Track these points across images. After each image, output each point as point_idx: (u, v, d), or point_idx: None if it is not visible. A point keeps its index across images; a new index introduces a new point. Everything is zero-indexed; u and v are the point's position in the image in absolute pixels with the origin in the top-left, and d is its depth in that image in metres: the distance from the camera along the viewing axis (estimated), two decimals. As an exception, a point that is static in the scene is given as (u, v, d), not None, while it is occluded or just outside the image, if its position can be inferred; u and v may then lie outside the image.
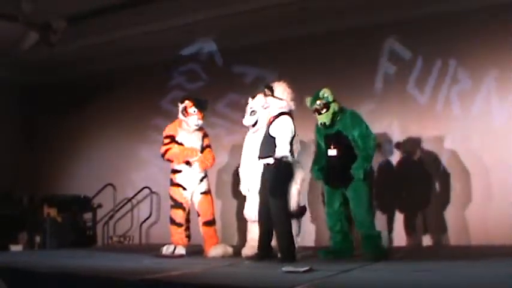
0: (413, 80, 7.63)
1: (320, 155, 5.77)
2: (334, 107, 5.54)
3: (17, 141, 10.72)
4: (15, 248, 8.09)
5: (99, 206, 9.07)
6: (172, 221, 6.12)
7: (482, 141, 7.02)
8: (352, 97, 7.57)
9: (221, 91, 8.78)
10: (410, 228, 7.26)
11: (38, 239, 8.32)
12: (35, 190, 9.37)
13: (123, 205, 9.41)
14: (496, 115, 7.06)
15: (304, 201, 5.93)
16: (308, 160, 6.85)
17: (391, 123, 7.66)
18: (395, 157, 7.55)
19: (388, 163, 7.55)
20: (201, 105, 6.25)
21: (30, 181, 10.02)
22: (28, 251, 8.04)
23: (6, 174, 9.81)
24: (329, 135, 5.63)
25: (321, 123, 5.62)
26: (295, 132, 5.44)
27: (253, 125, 6.02)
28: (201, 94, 8.55)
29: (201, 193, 6.19)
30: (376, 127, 7.38)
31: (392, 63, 7.79)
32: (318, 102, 5.56)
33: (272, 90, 5.54)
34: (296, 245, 5.54)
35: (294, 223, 5.68)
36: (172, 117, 8.10)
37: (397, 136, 7.61)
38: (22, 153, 10.65)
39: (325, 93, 5.56)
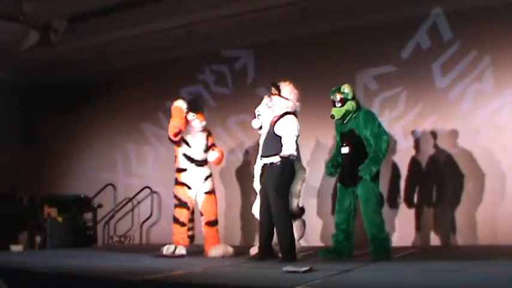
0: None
1: (337, 152, 5.77)
2: (349, 105, 5.54)
3: (17, 141, 10.74)
4: (16, 248, 8.08)
5: (100, 206, 9.06)
6: (176, 220, 6.13)
7: (489, 141, 6.94)
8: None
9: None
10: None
11: (38, 239, 8.32)
12: (35, 190, 9.39)
13: (124, 205, 9.42)
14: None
15: (303, 202, 5.91)
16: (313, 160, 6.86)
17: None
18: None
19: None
20: (196, 108, 6.31)
21: (31, 181, 10.03)
22: (28, 251, 8.03)
23: (7, 174, 9.81)
24: (343, 132, 5.65)
25: (331, 115, 5.64)
26: (300, 131, 5.45)
27: (260, 128, 6.00)
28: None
29: (205, 193, 6.21)
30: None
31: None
32: (337, 95, 5.58)
33: (279, 89, 5.54)
34: (298, 246, 5.55)
35: (298, 224, 5.68)
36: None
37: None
38: (22, 153, 10.65)
39: (346, 89, 5.57)
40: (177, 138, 6.16)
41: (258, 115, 5.99)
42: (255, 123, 6.01)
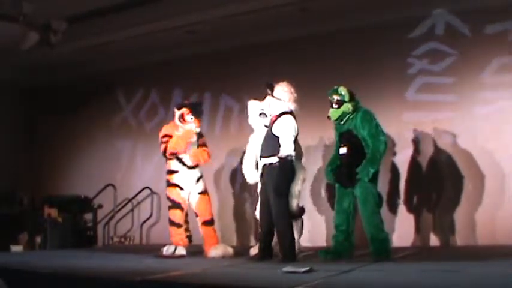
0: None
1: (335, 155, 5.73)
2: (346, 107, 5.52)
3: (18, 141, 10.73)
4: (16, 248, 8.09)
5: (100, 206, 9.07)
6: (172, 222, 6.14)
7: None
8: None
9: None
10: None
11: (38, 239, 8.33)
12: (35, 190, 9.39)
13: (124, 205, 9.42)
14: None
15: (303, 202, 5.91)
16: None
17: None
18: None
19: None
20: (197, 113, 6.30)
21: (31, 181, 10.03)
22: (28, 251, 8.04)
23: (7, 174, 9.82)
24: (342, 133, 5.64)
25: (327, 116, 5.64)
26: (297, 131, 5.45)
27: (265, 126, 5.99)
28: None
29: (199, 193, 6.21)
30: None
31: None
32: (334, 96, 5.58)
33: (273, 90, 5.54)
34: (297, 246, 5.55)
35: (296, 224, 5.69)
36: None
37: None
38: (22, 154, 10.66)
39: (342, 91, 5.55)
40: (171, 157, 6.18)
41: (262, 113, 5.98)
42: (263, 121, 5.99)
